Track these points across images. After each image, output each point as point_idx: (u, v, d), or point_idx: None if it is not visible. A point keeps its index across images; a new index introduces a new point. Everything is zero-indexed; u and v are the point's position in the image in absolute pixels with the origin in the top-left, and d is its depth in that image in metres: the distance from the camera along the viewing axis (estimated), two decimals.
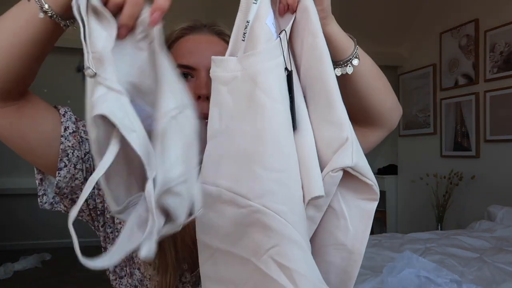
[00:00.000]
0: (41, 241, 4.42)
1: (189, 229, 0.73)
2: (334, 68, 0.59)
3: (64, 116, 0.66)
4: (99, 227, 0.75)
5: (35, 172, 0.68)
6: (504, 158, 3.20)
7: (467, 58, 3.49)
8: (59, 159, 0.65)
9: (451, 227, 3.52)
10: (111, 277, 0.77)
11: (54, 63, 3.54)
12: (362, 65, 0.64)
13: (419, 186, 3.92)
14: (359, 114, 0.69)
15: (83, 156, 0.68)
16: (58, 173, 0.65)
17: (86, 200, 0.72)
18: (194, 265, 0.75)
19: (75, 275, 3.48)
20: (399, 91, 4.34)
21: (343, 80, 0.63)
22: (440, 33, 3.77)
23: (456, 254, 2.08)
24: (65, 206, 0.71)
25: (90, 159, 0.69)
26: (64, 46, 3.43)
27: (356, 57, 0.63)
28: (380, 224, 4.64)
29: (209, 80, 0.68)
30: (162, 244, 0.71)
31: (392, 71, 4.44)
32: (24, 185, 3.99)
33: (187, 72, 0.72)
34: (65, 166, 0.66)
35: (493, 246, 2.26)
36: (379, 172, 4.56)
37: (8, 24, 0.53)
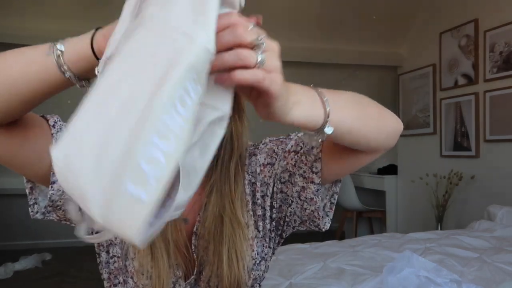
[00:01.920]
0: (41, 241, 4.42)
1: (182, 234, 0.72)
2: (309, 136, 0.55)
3: (54, 127, 0.65)
4: (93, 233, 0.74)
5: (25, 181, 0.67)
6: (504, 158, 3.20)
7: (467, 58, 3.49)
8: (51, 172, 0.64)
9: (451, 227, 3.52)
10: (106, 284, 0.76)
11: None
12: (340, 126, 0.55)
13: (419, 186, 3.92)
14: (355, 151, 0.66)
15: None
16: (51, 187, 0.64)
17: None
18: (188, 271, 0.74)
19: (75, 275, 3.49)
20: (399, 91, 4.35)
21: (330, 138, 0.56)
22: (440, 33, 3.78)
23: (456, 254, 2.08)
24: (58, 216, 0.70)
25: None
26: None
27: (328, 126, 0.53)
28: (380, 224, 4.64)
29: None
30: (154, 251, 0.70)
31: (392, 71, 4.44)
32: (24, 185, 3.98)
33: None
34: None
35: (493, 246, 2.26)
36: (379, 172, 4.56)
37: (17, 68, 0.51)
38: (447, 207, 3.54)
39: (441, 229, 3.40)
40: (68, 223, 0.73)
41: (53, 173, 0.63)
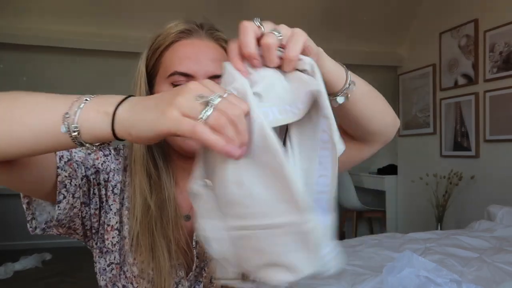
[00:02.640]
0: (41, 241, 4.42)
1: (183, 231, 0.72)
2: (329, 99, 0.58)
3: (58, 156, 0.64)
4: (94, 244, 0.74)
5: (21, 196, 0.65)
6: (504, 158, 3.20)
7: (467, 58, 3.49)
8: (57, 191, 0.63)
9: (451, 227, 3.52)
10: None
11: (55, 63, 3.55)
12: (357, 93, 0.63)
13: (419, 186, 3.92)
14: (357, 134, 0.70)
15: (80, 183, 0.67)
16: (58, 206, 0.64)
17: (82, 221, 0.71)
18: (189, 270, 0.74)
19: (75, 275, 3.48)
20: (399, 91, 4.35)
21: (339, 108, 0.63)
22: (439, 33, 3.78)
23: (456, 254, 2.08)
24: (59, 232, 0.69)
25: (87, 181, 0.69)
26: (65, 47, 3.43)
27: (348, 89, 0.61)
28: (380, 224, 4.64)
29: None
30: (155, 252, 0.69)
31: (392, 71, 4.44)
32: None
33: (184, 81, 0.68)
34: (64, 197, 0.64)
35: (493, 246, 2.26)
36: (379, 172, 4.56)
37: (30, 124, 0.47)
38: (447, 207, 3.54)
39: (441, 229, 3.40)
40: (67, 236, 0.72)
41: (59, 192, 0.63)
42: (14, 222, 4.38)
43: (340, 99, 0.61)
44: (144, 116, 0.43)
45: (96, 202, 0.72)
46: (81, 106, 0.46)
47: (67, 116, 0.46)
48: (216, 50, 0.72)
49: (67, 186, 0.65)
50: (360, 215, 4.31)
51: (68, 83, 3.61)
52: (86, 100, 0.46)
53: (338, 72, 0.59)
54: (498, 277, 1.78)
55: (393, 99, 4.50)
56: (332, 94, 0.60)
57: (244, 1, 3.58)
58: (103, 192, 0.72)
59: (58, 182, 0.63)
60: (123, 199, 0.73)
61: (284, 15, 3.82)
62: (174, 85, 0.69)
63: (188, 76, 0.68)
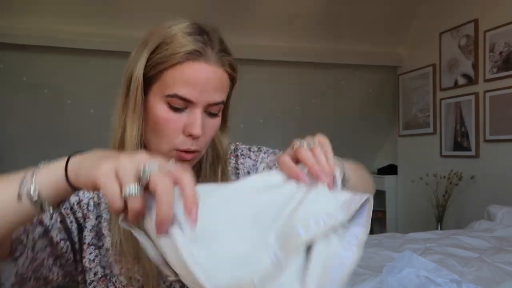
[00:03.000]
0: None
1: None
2: None
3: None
4: (79, 278, 0.73)
5: None
6: (504, 158, 3.20)
7: (467, 58, 3.49)
8: (14, 248, 0.62)
9: (451, 227, 3.52)
10: None
11: (55, 63, 3.54)
12: (350, 183, 0.62)
13: (419, 186, 3.92)
14: None
15: (41, 235, 0.65)
16: (15, 264, 0.62)
17: (58, 260, 0.68)
18: None
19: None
20: (399, 91, 4.35)
21: None
22: (439, 33, 3.78)
23: (456, 254, 2.08)
24: (31, 286, 0.67)
25: (53, 234, 0.67)
26: (65, 47, 3.43)
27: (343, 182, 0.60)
28: (380, 224, 4.64)
29: (204, 118, 0.68)
30: (141, 258, 0.68)
31: (392, 71, 4.44)
32: None
33: (182, 107, 0.66)
34: (22, 253, 0.63)
35: (493, 246, 2.26)
36: (379, 172, 4.56)
37: None
38: (447, 207, 3.54)
39: (441, 229, 3.40)
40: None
41: (15, 249, 0.62)
42: None
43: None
44: (89, 162, 0.47)
45: (75, 227, 0.70)
46: (35, 171, 0.50)
47: (24, 181, 0.49)
48: (222, 76, 0.68)
49: (24, 241, 0.63)
50: None
51: (68, 83, 3.60)
52: (34, 171, 0.50)
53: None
54: (498, 277, 1.78)
55: (393, 99, 4.50)
56: None
57: (244, 1, 3.58)
58: (79, 214, 0.71)
59: (13, 239, 0.61)
60: (100, 212, 0.72)
61: (285, 15, 3.82)
62: (171, 106, 0.66)
63: (188, 101, 0.66)
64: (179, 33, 0.66)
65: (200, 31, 0.68)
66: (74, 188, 0.50)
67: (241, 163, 0.82)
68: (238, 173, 0.81)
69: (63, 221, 0.69)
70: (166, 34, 0.66)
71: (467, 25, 3.48)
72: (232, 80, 0.72)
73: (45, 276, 0.67)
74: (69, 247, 0.69)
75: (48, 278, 0.67)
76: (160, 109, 0.66)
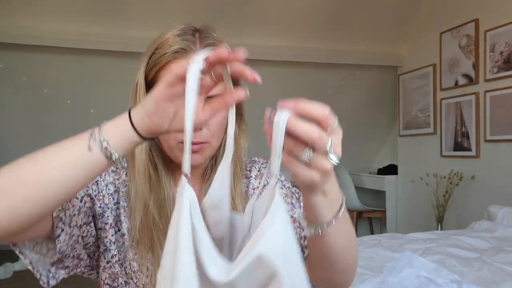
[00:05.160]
0: None
1: None
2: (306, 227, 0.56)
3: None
4: (99, 263, 0.75)
5: (22, 258, 0.67)
6: (504, 158, 3.20)
7: (467, 58, 3.49)
8: (54, 226, 0.65)
9: (451, 227, 3.52)
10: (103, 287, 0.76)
11: (55, 63, 3.54)
12: (337, 232, 0.57)
13: (419, 186, 3.92)
14: (316, 270, 0.66)
15: (76, 213, 0.69)
16: (58, 240, 0.65)
17: (85, 244, 0.72)
18: None
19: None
20: (399, 91, 4.34)
21: (322, 236, 0.57)
22: (440, 33, 3.77)
23: (456, 254, 2.08)
24: (66, 267, 0.71)
25: (84, 208, 0.70)
26: (65, 47, 3.43)
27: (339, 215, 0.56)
28: (380, 224, 4.64)
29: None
30: (154, 247, 0.71)
31: (392, 71, 4.44)
32: None
33: None
34: (62, 230, 0.66)
35: (493, 246, 2.26)
36: (379, 172, 4.56)
37: (62, 174, 0.52)
38: (447, 207, 3.54)
39: (441, 229, 3.40)
40: (75, 272, 0.74)
41: (56, 227, 0.65)
42: None
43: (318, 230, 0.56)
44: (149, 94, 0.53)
45: (99, 208, 0.74)
46: (101, 126, 0.53)
47: (93, 134, 0.52)
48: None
49: (63, 219, 0.66)
50: (360, 215, 4.31)
51: (68, 83, 3.61)
52: (100, 126, 0.53)
53: (338, 195, 0.56)
54: (498, 277, 1.77)
55: (393, 99, 4.50)
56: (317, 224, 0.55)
57: (245, 1, 3.58)
58: (96, 193, 0.74)
59: (53, 218, 0.64)
60: (118, 198, 0.75)
61: (284, 15, 3.82)
62: None
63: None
64: (170, 36, 0.70)
65: (192, 31, 0.71)
66: (140, 135, 0.53)
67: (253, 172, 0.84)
68: (250, 177, 0.82)
69: (90, 200, 0.72)
70: (160, 40, 0.71)
71: (467, 25, 3.48)
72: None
73: (78, 254, 0.71)
74: (93, 228, 0.73)
75: (80, 256, 0.72)
76: None
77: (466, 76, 3.51)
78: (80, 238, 0.70)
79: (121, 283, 0.73)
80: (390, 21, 4.06)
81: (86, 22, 3.44)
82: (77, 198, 0.70)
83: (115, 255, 0.74)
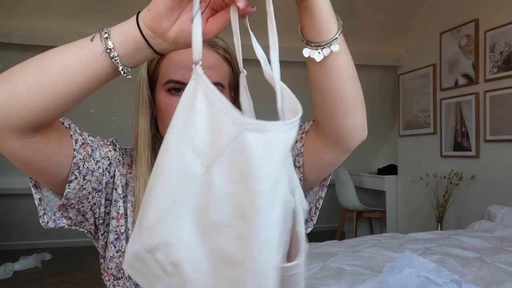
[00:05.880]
0: (41, 241, 4.42)
1: None
2: (309, 50, 0.58)
3: (71, 129, 0.66)
4: (99, 235, 0.76)
5: (33, 192, 0.68)
6: (504, 158, 3.20)
7: (467, 58, 3.49)
8: (70, 172, 0.65)
9: (451, 227, 3.52)
10: (106, 278, 0.77)
11: None
12: (341, 56, 0.59)
13: (419, 186, 3.92)
14: (322, 114, 0.65)
15: (94, 167, 0.69)
16: (68, 185, 0.66)
17: (92, 208, 0.72)
18: None
19: (75, 275, 3.48)
20: (399, 91, 4.35)
21: (316, 67, 0.59)
22: (440, 33, 3.78)
23: (456, 254, 2.08)
24: (69, 218, 0.71)
25: (101, 167, 0.71)
26: None
27: (335, 43, 0.58)
28: (380, 224, 4.64)
29: None
30: None
31: (392, 71, 4.44)
32: (24, 185, 3.99)
33: (178, 87, 0.71)
34: (76, 178, 0.67)
35: (493, 246, 2.26)
36: (379, 172, 4.56)
37: (64, 60, 0.53)
38: (447, 207, 3.54)
39: (441, 229, 3.40)
40: (77, 228, 0.74)
41: (72, 173, 0.65)
42: (14, 222, 4.39)
43: (334, 47, 0.58)
44: None
45: (108, 192, 0.74)
46: (108, 28, 0.54)
47: (97, 34, 0.53)
48: (212, 56, 0.74)
49: (80, 168, 0.67)
50: (360, 215, 4.31)
51: None
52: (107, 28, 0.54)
53: (332, 16, 0.58)
54: (498, 277, 1.77)
55: (393, 99, 4.50)
56: (313, 45, 0.58)
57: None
58: (111, 181, 0.75)
59: (72, 164, 0.65)
60: (126, 192, 0.76)
61: (284, 15, 3.82)
62: (170, 92, 0.72)
63: (183, 84, 0.70)
64: None
65: None
66: (140, 31, 0.52)
67: None
68: None
69: (110, 178, 0.73)
70: None
71: (467, 25, 3.48)
72: (230, 64, 0.77)
73: (83, 211, 0.71)
74: (102, 203, 0.73)
75: (86, 216, 0.72)
76: (162, 97, 0.74)
77: (466, 76, 3.51)
78: (90, 197, 0.70)
79: (127, 276, 0.74)
80: (390, 21, 4.06)
81: (86, 22, 3.44)
82: (99, 167, 0.70)
83: (124, 245, 0.74)
